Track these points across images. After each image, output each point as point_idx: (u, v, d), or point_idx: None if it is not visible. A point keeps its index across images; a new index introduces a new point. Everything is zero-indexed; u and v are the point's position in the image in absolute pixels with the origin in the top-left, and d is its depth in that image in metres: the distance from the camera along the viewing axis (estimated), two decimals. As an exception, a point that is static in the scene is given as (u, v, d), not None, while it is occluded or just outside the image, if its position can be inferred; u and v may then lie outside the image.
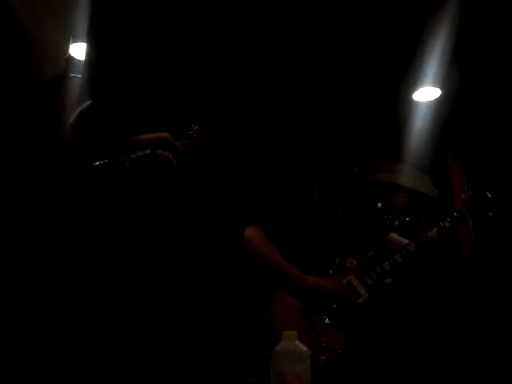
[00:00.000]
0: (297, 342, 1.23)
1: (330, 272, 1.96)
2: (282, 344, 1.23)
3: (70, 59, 1.03)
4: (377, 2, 2.87)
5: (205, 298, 3.27)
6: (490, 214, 2.01)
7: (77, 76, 1.10)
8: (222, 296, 3.27)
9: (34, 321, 1.11)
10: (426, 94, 3.84)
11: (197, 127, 1.59)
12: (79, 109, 1.08)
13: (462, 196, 2.08)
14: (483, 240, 3.85)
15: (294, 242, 2.02)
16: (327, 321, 1.85)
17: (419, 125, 3.99)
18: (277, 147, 3.29)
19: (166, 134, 1.49)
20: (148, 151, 1.47)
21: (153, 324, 2.91)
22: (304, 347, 1.22)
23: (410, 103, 3.92)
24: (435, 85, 3.69)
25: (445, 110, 3.93)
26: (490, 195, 2.02)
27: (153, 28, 2.87)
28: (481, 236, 3.85)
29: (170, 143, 1.48)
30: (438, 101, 3.90)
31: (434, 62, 3.25)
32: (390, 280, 1.99)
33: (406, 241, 2.08)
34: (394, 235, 2.22)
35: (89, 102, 1.10)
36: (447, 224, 1.99)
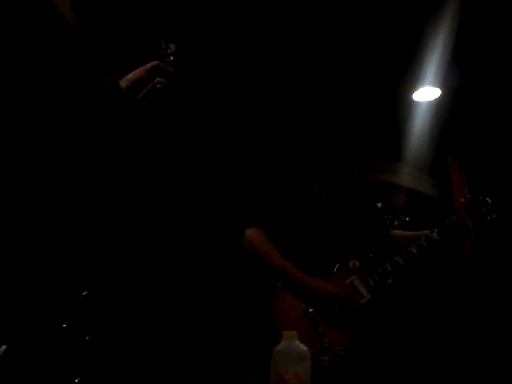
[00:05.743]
0: (297, 342, 1.22)
1: (333, 272, 1.96)
2: (283, 344, 1.22)
3: None
4: (377, 2, 2.87)
5: (206, 298, 3.27)
6: (489, 218, 2.02)
7: None
8: (223, 296, 3.27)
9: (33, 317, 1.11)
10: (426, 93, 3.84)
11: (173, 45, 1.59)
12: None
13: (462, 200, 2.09)
14: (483, 242, 3.85)
15: (295, 243, 2.02)
16: (330, 321, 1.85)
17: (419, 125, 3.99)
18: (277, 148, 3.29)
19: (156, 62, 1.52)
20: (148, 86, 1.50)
21: (153, 324, 2.91)
22: (304, 347, 1.22)
23: (410, 103, 3.92)
24: (435, 85, 3.69)
25: (445, 110, 3.94)
26: (489, 200, 2.03)
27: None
28: (481, 238, 3.85)
29: (162, 68, 1.51)
30: (438, 101, 3.90)
31: (433, 62, 3.25)
32: (390, 280, 1.99)
33: (409, 233, 2.10)
34: (396, 231, 2.23)
35: None
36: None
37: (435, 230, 1.98)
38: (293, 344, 1.22)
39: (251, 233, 2.05)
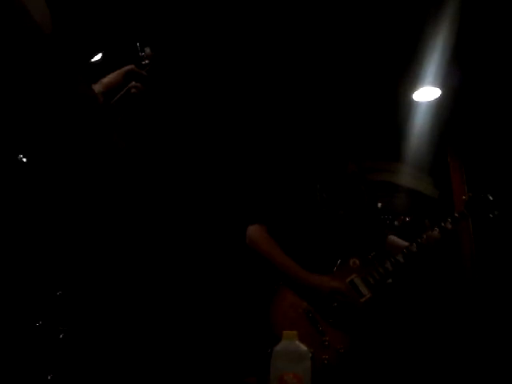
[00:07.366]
0: (297, 342, 1.22)
1: (334, 271, 1.96)
2: (282, 344, 1.22)
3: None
4: (377, 2, 2.87)
5: (206, 297, 3.27)
6: (491, 215, 2.03)
7: None
8: (224, 294, 3.27)
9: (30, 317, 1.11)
10: (426, 93, 3.84)
11: (148, 49, 1.60)
12: None
13: (463, 197, 2.09)
14: (483, 240, 3.85)
15: (297, 240, 2.02)
16: (330, 320, 1.85)
17: (419, 125, 3.99)
18: (279, 146, 3.29)
19: (131, 66, 1.53)
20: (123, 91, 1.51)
21: (153, 323, 2.91)
22: (304, 347, 1.22)
23: (410, 103, 3.92)
24: (435, 85, 3.69)
25: (445, 110, 3.94)
26: (490, 197, 2.03)
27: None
28: (481, 236, 3.85)
29: (137, 73, 1.52)
30: (438, 101, 3.90)
31: (433, 62, 3.25)
32: (391, 280, 1.99)
33: (406, 243, 2.08)
34: (393, 238, 2.22)
35: None
36: (449, 225, 2.00)
37: (435, 231, 1.98)
38: (293, 344, 1.21)
39: (253, 229, 2.05)
